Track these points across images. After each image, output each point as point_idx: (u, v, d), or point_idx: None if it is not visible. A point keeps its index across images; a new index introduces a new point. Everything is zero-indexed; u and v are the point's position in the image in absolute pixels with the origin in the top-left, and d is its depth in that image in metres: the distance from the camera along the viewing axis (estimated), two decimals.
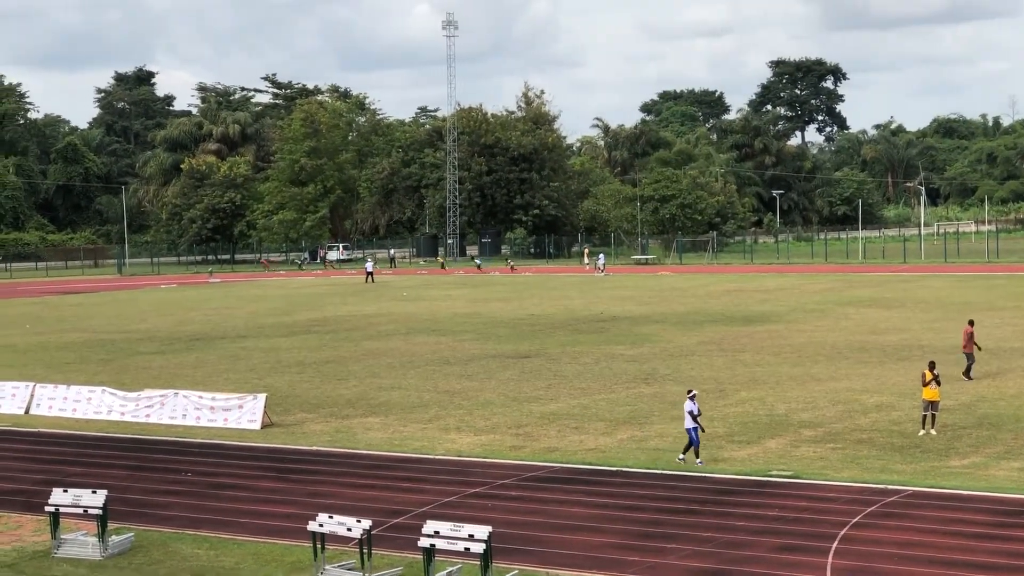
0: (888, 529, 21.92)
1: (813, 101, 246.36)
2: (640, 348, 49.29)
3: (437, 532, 18.67)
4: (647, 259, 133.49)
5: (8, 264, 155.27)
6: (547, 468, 27.06)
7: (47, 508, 21.47)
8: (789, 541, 21.26)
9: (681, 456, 27.46)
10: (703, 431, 27.84)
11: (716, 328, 56.33)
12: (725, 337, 52.49)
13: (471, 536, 18.37)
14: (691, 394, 27.83)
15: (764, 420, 32.09)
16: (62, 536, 21.37)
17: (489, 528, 18.49)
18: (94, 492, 21.26)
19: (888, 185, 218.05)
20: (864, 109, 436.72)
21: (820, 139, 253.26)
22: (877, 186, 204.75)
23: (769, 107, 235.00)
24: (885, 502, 23.80)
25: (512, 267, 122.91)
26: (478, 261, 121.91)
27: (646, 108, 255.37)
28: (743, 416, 33.00)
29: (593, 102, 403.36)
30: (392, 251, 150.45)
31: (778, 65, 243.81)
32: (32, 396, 37.53)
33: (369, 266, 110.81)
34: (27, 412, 36.92)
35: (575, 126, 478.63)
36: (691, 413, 27.27)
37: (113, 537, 21.31)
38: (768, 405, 34.62)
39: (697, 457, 27.25)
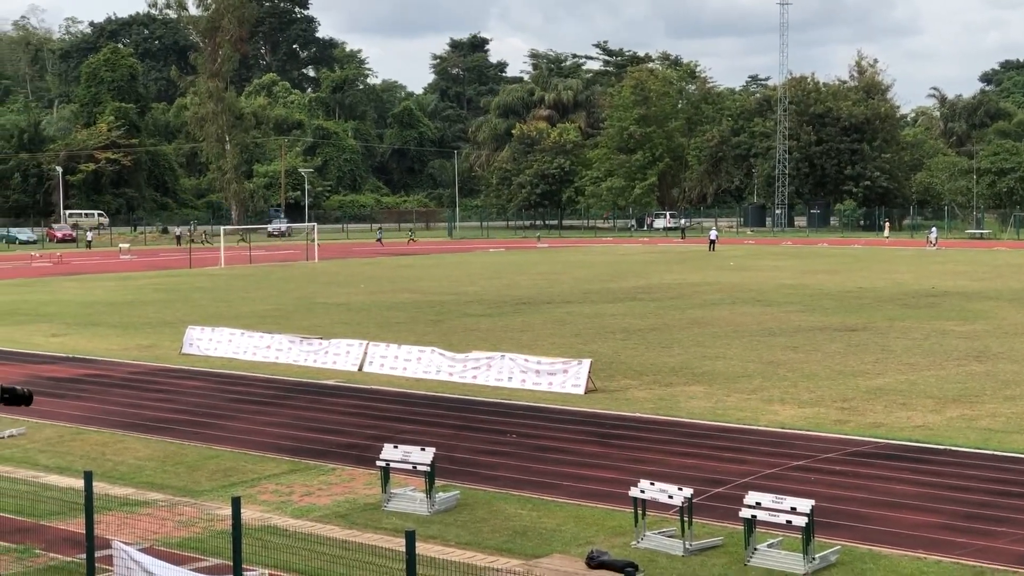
0: None
1: None
2: (972, 325, 47.91)
3: (759, 503, 18.52)
4: (982, 234, 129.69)
5: (345, 224, 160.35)
6: (872, 443, 26.56)
7: (378, 463, 22.05)
8: None
9: None
10: None
11: None
12: None
13: (793, 509, 18.17)
14: None
15: None
16: (392, 490, 21.95)
17: (812, 502, 18.26)
18: (423, 449, 21.75)
19: None
20: None
21: None
22: None
23: None
24: None
25: (411, 240, 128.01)
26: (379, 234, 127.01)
27: (986, 78, 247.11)
28: None
29: (929, 72, 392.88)
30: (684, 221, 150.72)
31: None
32: (365, 354, 38.65)
33: (713, 234, 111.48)
34: (360, 369, 38.07)
35: (909, 96, 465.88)
36: None
37: (440, 494, 21.78)
38: None
39: None
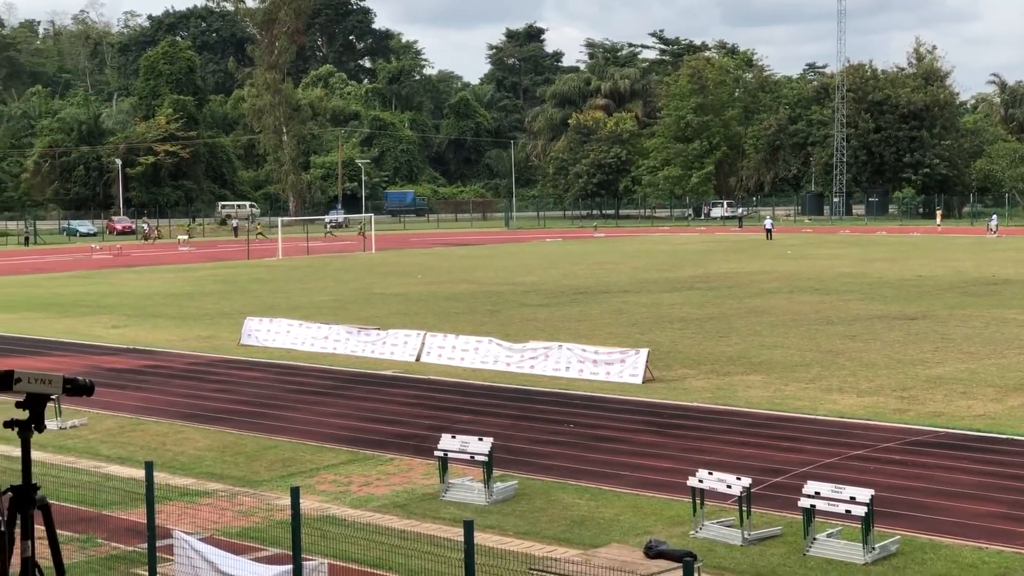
0: None
1: None
2: None
3: (818, 493, 18.43)
4: None
5: (402, 216, 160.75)
6: (932, 433, 26.38)
7: (436, 453, 22.08)
8: None
9: None
10: None
11: None
12: None
13: (852, 499, 18.07)
14: None
15: None
16: (450, 480, 21.98)
17: (871, 491, 18.15)
18: (480, 439, 21.76)
19: None
20: None
21: None
22: None
23: None
24: None
25: (362, 233, 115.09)
26: (329, 227, 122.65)
27: None
28: None
29: (989, 58, 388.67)
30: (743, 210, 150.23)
31: None
32: (423, 344, 38.72)
33: (768, 223, 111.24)
34: (418, 359, 38.14)
35: (968, 83, 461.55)
36: None
37: (498, 484, 21.79)
38: None
39: None
